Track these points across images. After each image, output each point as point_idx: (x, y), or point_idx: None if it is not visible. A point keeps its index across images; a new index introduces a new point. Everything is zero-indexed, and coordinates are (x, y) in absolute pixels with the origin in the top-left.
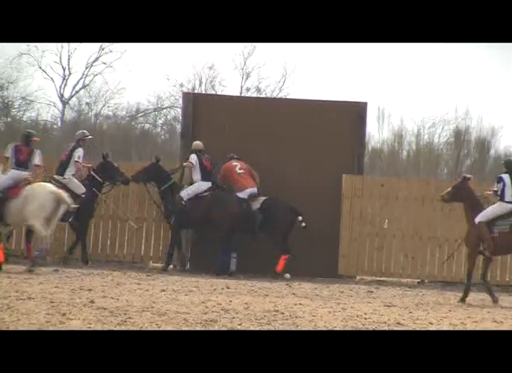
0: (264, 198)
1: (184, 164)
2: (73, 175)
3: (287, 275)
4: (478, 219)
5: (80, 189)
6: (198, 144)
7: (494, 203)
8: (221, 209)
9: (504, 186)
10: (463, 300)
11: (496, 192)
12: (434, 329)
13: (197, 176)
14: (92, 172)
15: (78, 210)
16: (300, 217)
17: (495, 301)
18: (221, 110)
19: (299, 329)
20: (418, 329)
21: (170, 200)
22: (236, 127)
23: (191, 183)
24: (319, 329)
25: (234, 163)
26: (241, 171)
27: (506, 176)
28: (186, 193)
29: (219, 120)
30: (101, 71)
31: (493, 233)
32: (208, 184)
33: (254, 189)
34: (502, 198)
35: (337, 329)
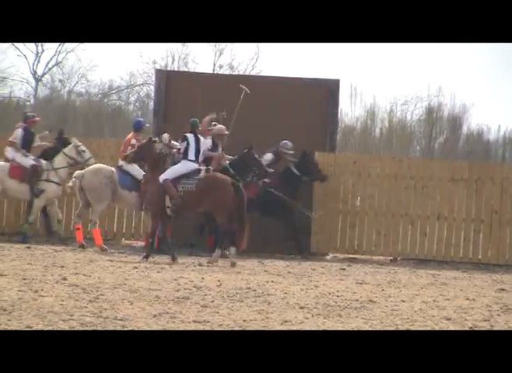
0: None
1: None
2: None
3: None
4: (162, 177)
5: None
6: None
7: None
8: None
9: (188, 145)
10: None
11: (179, 150)
12: (406, 306)
13: None
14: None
15: None
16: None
17: (174, 259)
18: (194, 87)
19: (271, 306)
20: (390, 306)
21: None
22: (208, 104)
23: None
24: (291, 304)
25: None
26: None
27: (190, 136)
28: None
29: (191, 97)
30: (74, 48)
31: (178, 191)
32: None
33: None
34: (185, 157)
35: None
